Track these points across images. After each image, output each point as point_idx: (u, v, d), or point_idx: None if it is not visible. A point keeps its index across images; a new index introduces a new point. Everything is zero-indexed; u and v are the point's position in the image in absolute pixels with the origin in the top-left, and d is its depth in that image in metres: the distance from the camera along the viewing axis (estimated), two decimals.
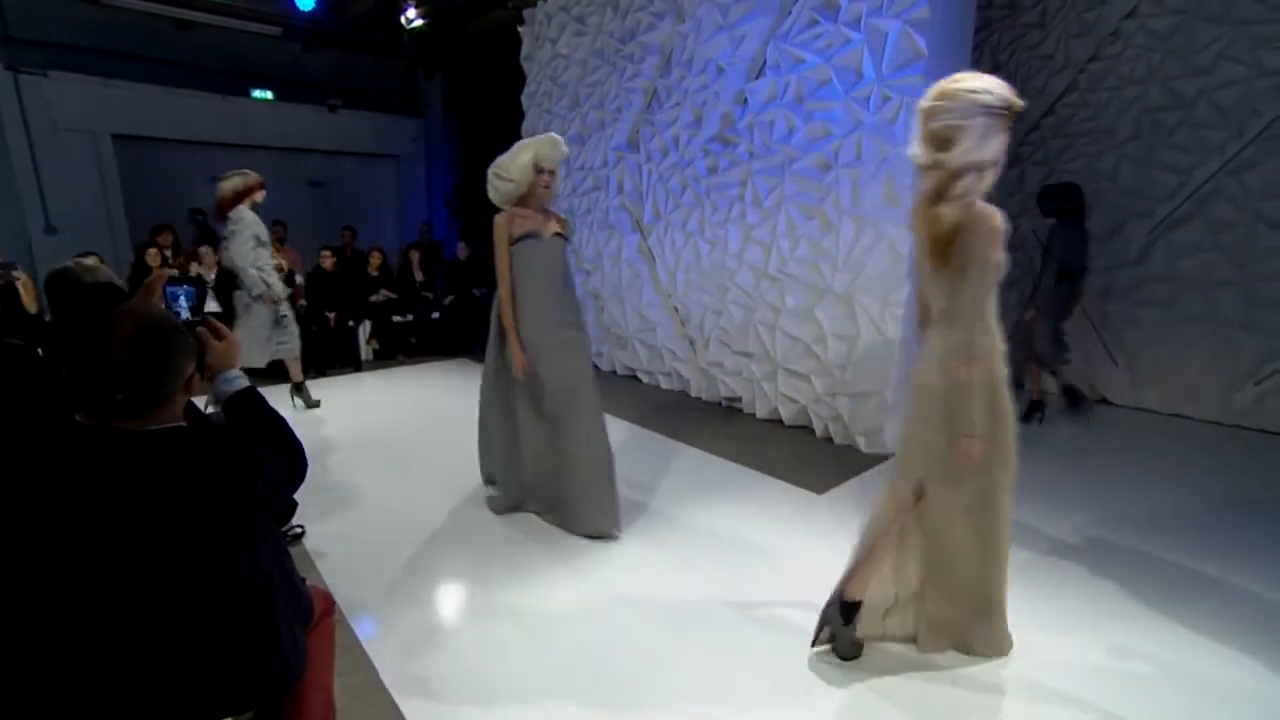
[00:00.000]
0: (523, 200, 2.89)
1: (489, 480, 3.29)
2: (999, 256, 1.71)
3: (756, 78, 4.28)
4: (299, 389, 4.89)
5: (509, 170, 2.84)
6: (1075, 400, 4.14)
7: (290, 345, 4.69)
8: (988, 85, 1.68)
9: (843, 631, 2.04)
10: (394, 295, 6.78)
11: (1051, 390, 4.38)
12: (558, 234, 2.94)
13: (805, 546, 2.82)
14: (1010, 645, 2.06)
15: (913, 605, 2.07)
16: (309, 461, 1.36)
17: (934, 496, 1.92)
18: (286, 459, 1.26)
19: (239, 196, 4.30)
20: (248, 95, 7.84)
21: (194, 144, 7.58)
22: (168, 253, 5.94)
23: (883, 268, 3.70)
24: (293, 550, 2.70)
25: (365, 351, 6.52)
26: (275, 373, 4.95)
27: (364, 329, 6.52)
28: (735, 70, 4.36)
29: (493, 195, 2.94)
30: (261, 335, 4.51)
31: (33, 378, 1.92)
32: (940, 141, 1.69)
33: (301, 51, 7.93)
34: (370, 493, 3.42)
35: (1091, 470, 3.48)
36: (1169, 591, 2.43)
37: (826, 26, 3.82)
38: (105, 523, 1.01)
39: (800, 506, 3.22)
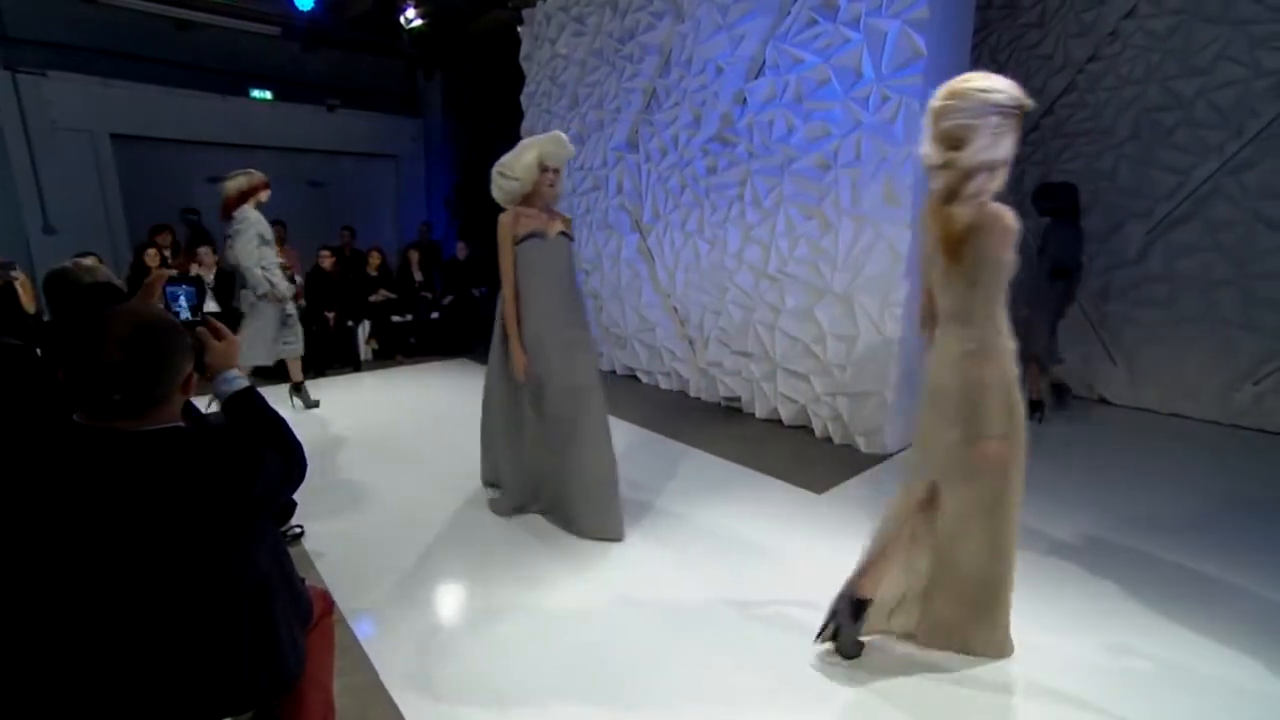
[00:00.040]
0: (527, 199, 2.87)
1: (489, 483, 3.26)
2: (1011, 256, 1.71)
3: (755, 78, 4.28)
4: (298, 389, 4.89)
5: (513, 169, 2.81)
6: (1060, 396, 4.36)
7: (294, 345, 4.70)
8: (999, 84, 1.68)
9: (850, 628, 2.04)
10: (393, 295, 6.77)
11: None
12: (563, 233, 2.91)
13: (805, 546, 2.82)
14: (1011, 649, 2.06)
15: (919, 603, 2.07)
16: (308, 461, 1.36)
17: (947, 497, 1.92)
18: (286, 459, 1.26)
19: (244, 196, 4.32)
20: (247, 95, 7.83)
21: (193, 144, 7.58)
22: (166, 253, 5.93)
23: (882, 267, 3.70)
24: (292, 550, 2.70)
25: (364, 351, 6.52)
26: (274, 373, 4.95)
27: (363, 329, 6.51)
28: (734, 70, 4.37)
29: (496, 194, 2.91)
30: (268, 334, 4.52)
31: (30, 378, 1.91)
32: (952, 141, 1.68)
33: (300, 51, 7.93)
34: (369, 493, 3.41)
35: (1091, 470, 3.49)
36: (1169, 591, 2.44)
37: (826, 26, 3.82)
38: (103, 523, 1.01)
39: (800, 506, 3.22)
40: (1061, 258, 4.11)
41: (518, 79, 6.45)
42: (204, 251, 5.69)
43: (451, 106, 9.18)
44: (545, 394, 2.86)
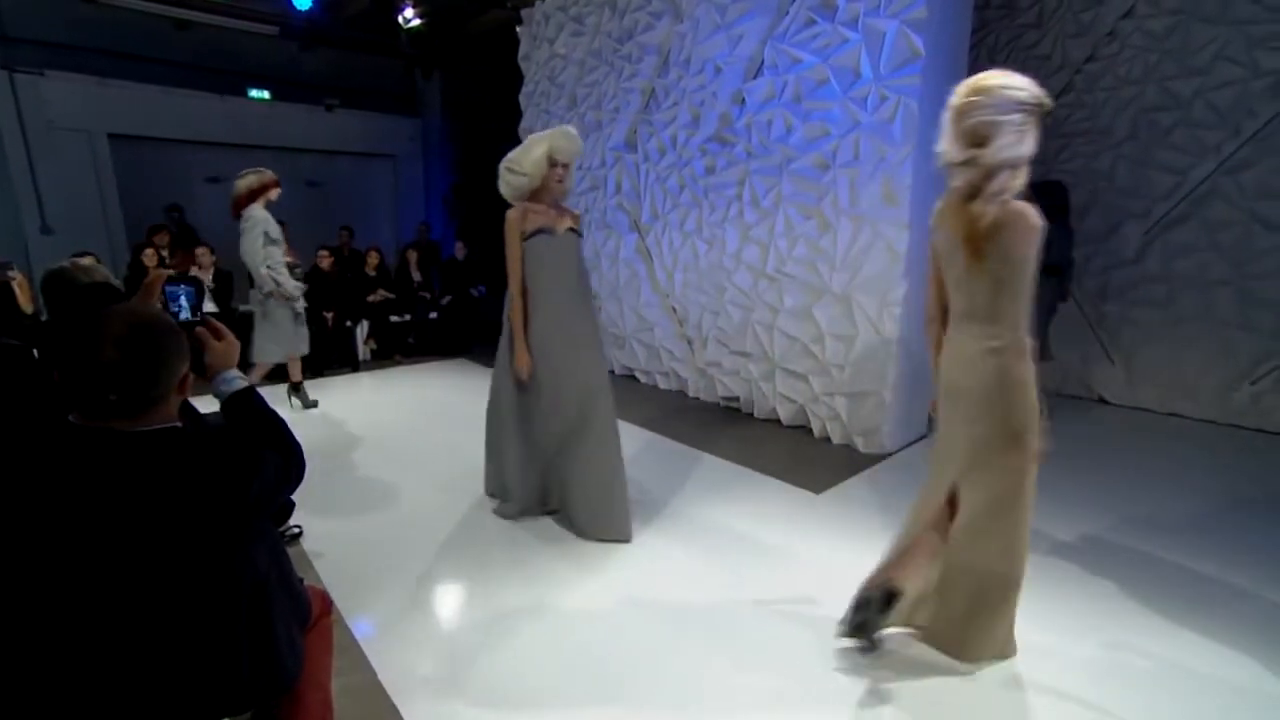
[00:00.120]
0: (535, 195, 2.82)
1: (492, 493, 3.19)
2: (1036, 253, 1.70)
3: (754, 78, 4.28)
4: (297, 389, 4.88)
5: (521, 164, 2.77)
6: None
7: (299, 345, 4.71)
8: (1020, 82, 1.67)
9: (878, 620, 2.02)
10: (391, 295, 6.77)
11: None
12: (571, 230, 2.87)
13: (805, 546, 2.82)
14: (1014, 650, 2.05)
15: (933, 600, 2.07)
16: (307, 462, 1.36)
17: (965, 496, 1.92)
18: (284, 460, 1.26)
19: (253, 194, 4.34)
20: (244, 95, 7.82)
21: (190, 144, 7.57)
22: (164, 253, 5.92)
23: (880, 267, 3.71)
24: (290, 550, 2.70)
25: (363, 351, 6.51)
26: (274, 372, 4.94)
27: (362, 329, 6.51)
28: (733, 70, 4.37)
29: (504, 190, 2.86)
30: (285, 332, 4.56)
31: (27, 378, 1.91)
32: (975, 138, 1.67)
33: (298, 51, 7.92)
34: (368, 493, 3.41)
35: (1090, 470, 3.49)
36: (1169, 591, 2.44)
37: (824, 26, 3.82)
38: (99, 524, 1.01)
39: (799, 506, 3.22)
40: (1051, 255, 4.13)
41: (516, 79, 6.45)
42: (202, 252, 5.68)
43: (450, 106, 9.17)
44: (553, 395, 2.82)
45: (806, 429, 4.27)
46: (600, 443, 2.82)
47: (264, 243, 4.31)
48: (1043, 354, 4.41)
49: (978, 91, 1.68)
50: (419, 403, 5.26)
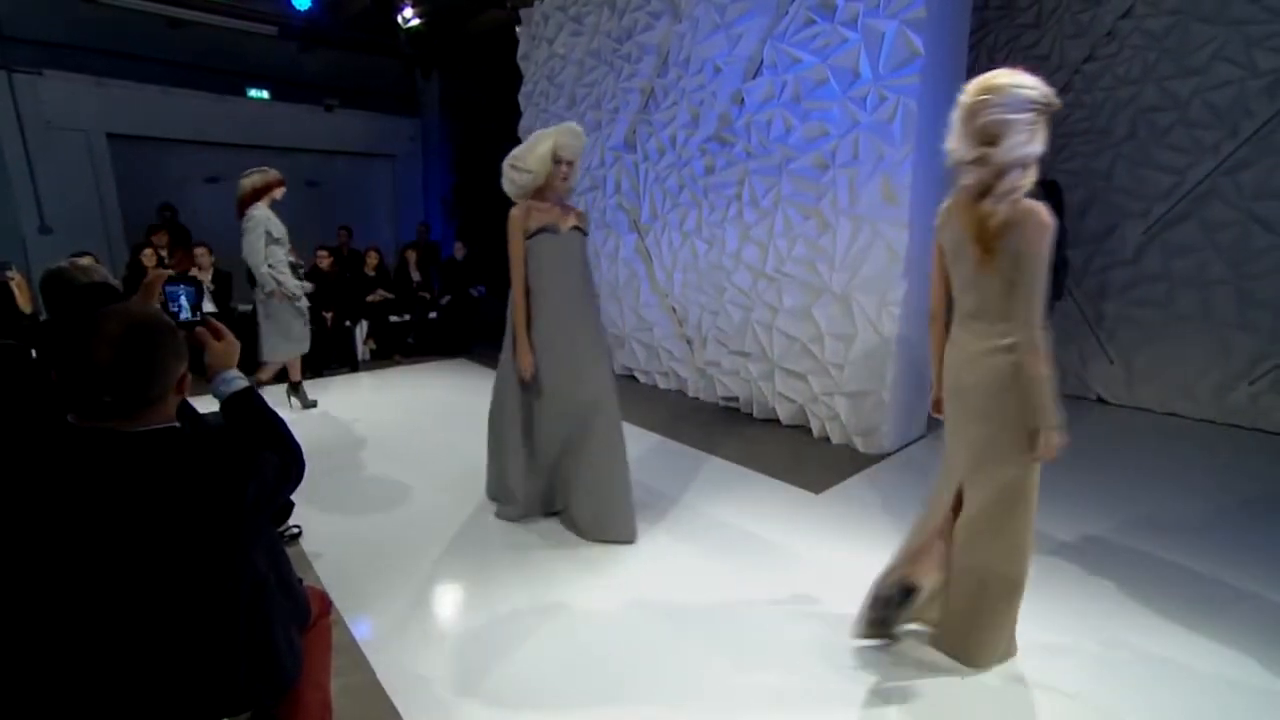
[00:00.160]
0: (539, 193, 2.78)
1: (494, 497, 3.14)
2: (1048, 251, 1.70)
3: (753, 77, 4.29)
4: (296, 389, 4.88)
5: (526, 161, 2.73)
6: None
7: (301, 344, 4.72)
8: (1030, 81, 1.67)
9: (895, 616, 2.05)
10: (391, 295, 6.77)
11: None
12: (576, 228, 2.83)
13: (804, 546, 2.82)
14: (1014, 650, 2.04)
15: (940, 599, 2.07)
16: (306, 462, 1.36)
17: (970, 495, 1.91)
18: (284, 460, 1.26)
19: (258, 193, 4.35)
20: (243, 94, 7.82)
21: (189, 143, 7.57)
22: (163, 253, 5.92)
23: (880, 267, 3.71)
24: (289, 550, 2.70)
25: (362, 351, 6.51)
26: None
27: (361, 329, 6.51)
28: (732, 70, 4.37)
29: (508, 187, 2.83)
30: (293, 329, 4.58)
31: (24, 378, 1.91)
32: (987, 136, 1.67)
33: (298, 51, 7.92)
34: (367, 493, 3.41)
35: (1089, 469, 3.49)
36: (1169, 591, 2.44)
37: (823, 26, 3.82)
38: (96, 524, 1.01)
39: (798, 506, 3.22)
40: None
41: (515, 79, 6.44)
42: (201, 252, 5.68)
43: (449, 106, 9.17)
44: (557, 397, 2.80)
45: (806, 429, 4.27)
46: (605, 445, 2.80)
47: (266, 242, 4.32)
48: None
49: (989, 90, 1.67)
50: (418, 403, 5.26)
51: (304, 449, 1.36)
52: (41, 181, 6.55)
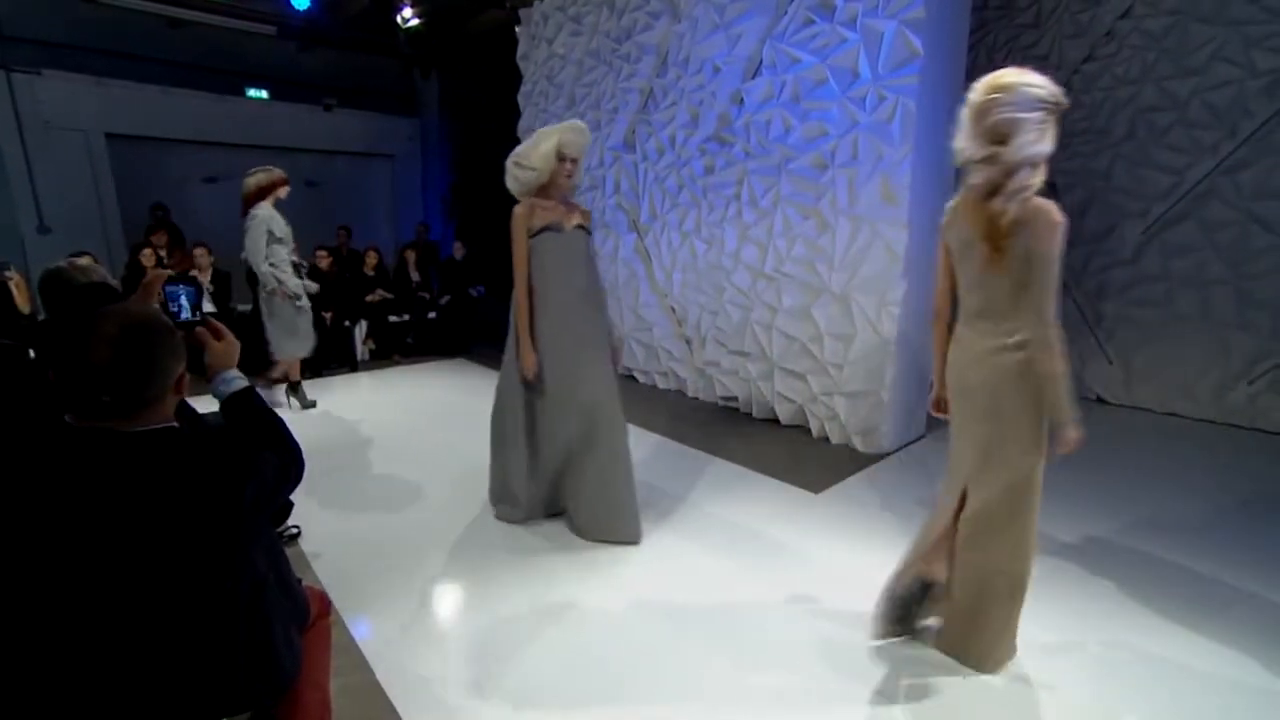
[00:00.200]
0: (543, 190, 2.75)
1: (497, 499, 3.08)
2: (1060, 250, 1.70)
3: (753, 77, 4.29)
4: (295, 389, 4.88)
5: (529, 158, 2.70)
6: None
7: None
8: (1039, 80, 1.67)
9: (915, 611, 2.07)
10: (390, 295, 6.76)
11: None
12: (580, 226, 2.79)
13: (804, 546, 2.82)
14: (1013, 655, 2.04)
15: (946, 599, 2.08)
16: (306, 462, 1.35)
17: (973, 495, 1.92)
18: (283, 460, 1.26)
19: (262, 192, 4.38)
20: (242, 94, 7.82)
21: (188, 143, 7.57)
22: (162, 253, 5.91)
23: (879, 267, 3.71)
24: (289, 550, 2.70)
25: (361, 351, 6.50)
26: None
27: (360, 329, 6.50)
28: (731, 70, 4.37)
29: (511, 185, 2.80)
30: (300, 327, 4.61)
31: (22, 378, 1.90)
32: (997, 135, 1.66)
33: (297, 51, 7.92)
34: (366, 493, 3.41)
35: (1089, 469, 3.49)
36: (1169, 591, 2.44)
37: (822, 26, 3.82)
38: (94, 524, 1.00)
39: (797, 506, 3.22)
40: None
41: (515, 78, 6.45)
42: (200, 253, 5.67)
43: (448, 106, 9.17)
44: (560, 399, 2.76)
45: (805, 429, 4.28)
46: (609, 446, 2.76)
47: (269, 241, 4.33)
48: None
49: (998, 89, 1.66)
50: (418, 403, 5.25)
51: (303, 449, 1.36)
52: (40, 181, 6.55)
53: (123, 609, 1.02)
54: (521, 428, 2.88)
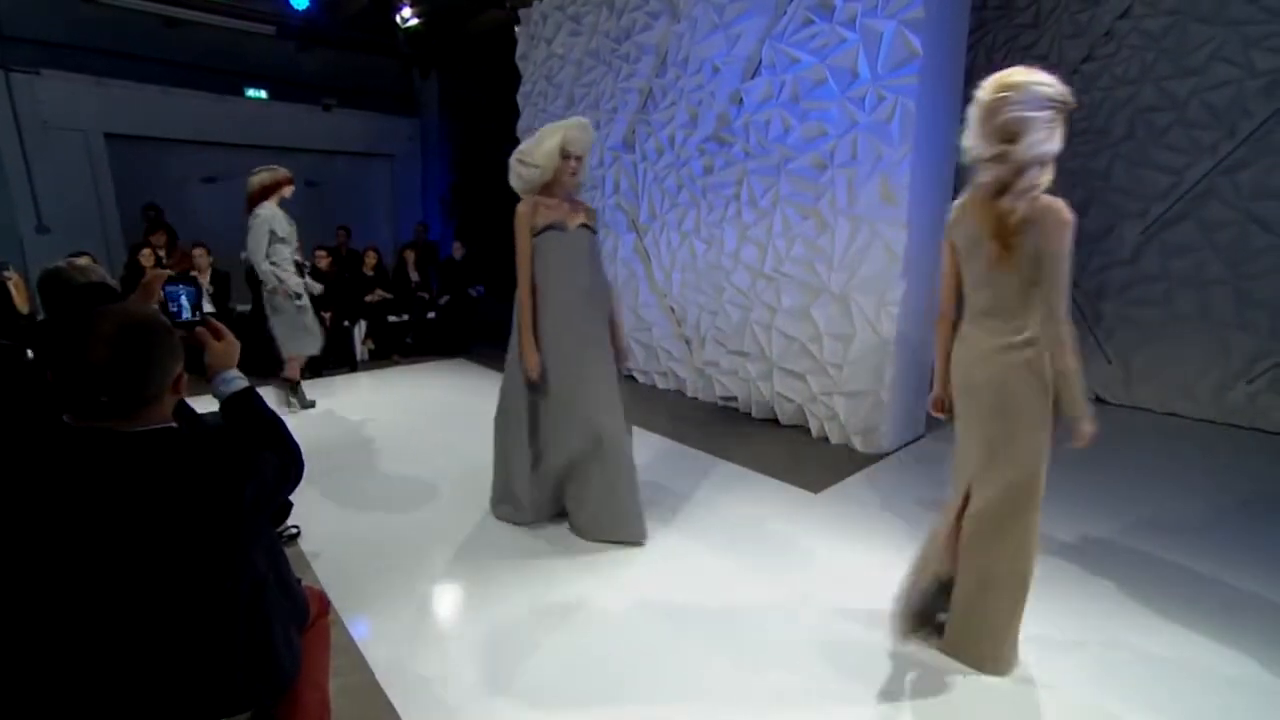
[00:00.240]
0: (547, 188, 2.71)
1: (500, 499, 3.03)
2: (1070, 247, 1.70)
3: (752, 77, 4.29)
4: (294, 389, 4.88)
5: (533, 156, 2.66)
6: None
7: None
8: (1047, 79, 1.67)
9: (933, 606, 2.07)
10: (389, 295, 6.76)
11: None
12: (584, 225, 2.75)
13: (803, 546, 2.82)
14: (1016, 657, 2.03)
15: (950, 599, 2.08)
16: (305, 462, 1.35)
17: (976, 494, 1.92)
18: (282, 460, 1.25)
19: (266, 191, 4.40)
20: (241, 94, 7.81)
21: (187, 143, 7.56)
22: (161, 253, 5.91)
23: (878, 267, 3.71)
24: (288, 550, 2.70)
25: (361, 351, 6.50)
26: (271, 372, 4.94)
27: (359, 329, 6.50)
28: (731, 70, 4.37)
29: (515, 183, 2.76)
30: (307, 323, 4.63)
31: (20, 378, 1.90)
32: (1007, 134, 1.66)
33: (296, 50, 7.92)
34: (366, 493, 3.40)
35: (1089, 469, 3.48)
36: (1168, 591, 2.45)
37: (822, 26, 3.82)
38: (93, 524, 1.00)
39: (797, 505, 3.22)
40: None
41: (514, 78, 6.44)
42: (199, 253, 5.67)
43: (448, 106, 9.17)
44: (565, 398, 2.73)
45: (804, 428, 4.28)
46: (614, 446, 2.73)
47: (271, 240, 4.35)
48: None
49: (1008, 87, 1.66)
50: (417, 403, 5.25)
51: (302, 449, 1.36)
52: (39, 181, 6.54)
53: (122, 609, 1.02)
54: (525, 430, 2.85)
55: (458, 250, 7.27)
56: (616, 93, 5.28)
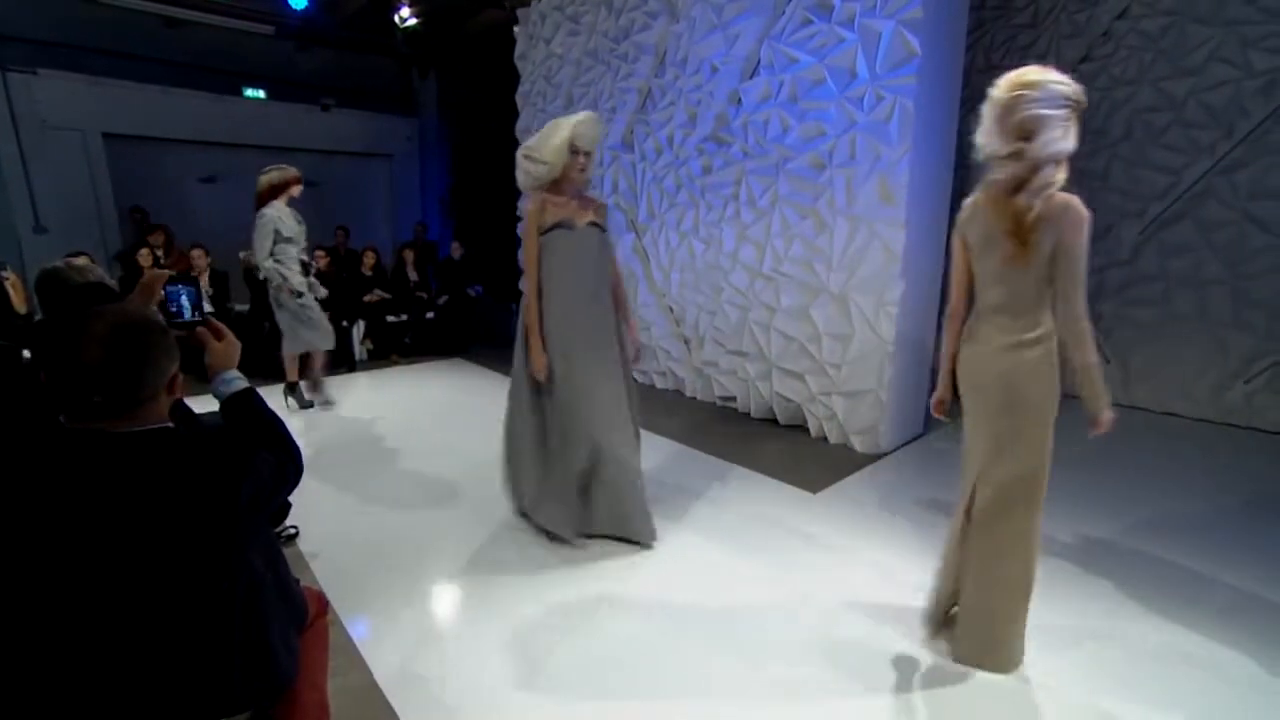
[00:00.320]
0: (555, 185, 2.64)
1: (522, 511, 2.94)
2: (1087, 243, 1.71)
3: (751, 77, 4.29)
4: (293, 389, 4.88)
5: (541, 152, 2.60)
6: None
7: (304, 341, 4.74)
8: (1061, 77, 1.67)
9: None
10: (388, 295, 6.76)
11: None
12: (593, 223, 2.67)
13: (801, 545, 2.82)
14: (1023, 654, 2.03)
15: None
16: (304, 463, 1.35)
17: (981, 491, 1.92)
18: (280, 460, 1.25)
19: (274, 190, 4.40)
20: (240, 94, 7.80)
21: (185, 143, 7.55)
22: (159, 253, 5.90)
23: (877, 267, 3.71)
24: (287, 550, 2.69)
25: (359, 351, 6.50)
26: (270, 372, 4.94)
27: (358, 329, 6.49)
28: (729, 70, 4.37)
29: (522, 180, 2.70)
30: (318, 321, 4.64)
31: (16, 379, 1.90)
32: (1023, 132, 1.67)
33: (294, 50, 7.90)
34: (365, 493, 3.40)
35: (1087, 469, 3.49)
36: (1169, 591, 2.45)
37: (820, 26, 3.82)
38: (89, 525, 1.00)
39: (796, 505, 3.23)
40: None
41: (513, 78, 6.44)
42: (197, 254, 5.66)
43: (446, 106, 9.16)
44: (572, 405, 2.66)
45: (803, 428, 4.28)
46: (617, 471, 2.68)
47: (276, 240, 4.36)
48: None
49: (1025, 86, 1.67)
50: (416, 403, 5.25)
51: (301, 449, 1.35)
52: (37, 181, 6.52)
53: (117, 610, 1.02)
54: (531, 436, 2.78)
55: (456, 250, 7.27)
56: (615, 92, 5.28)
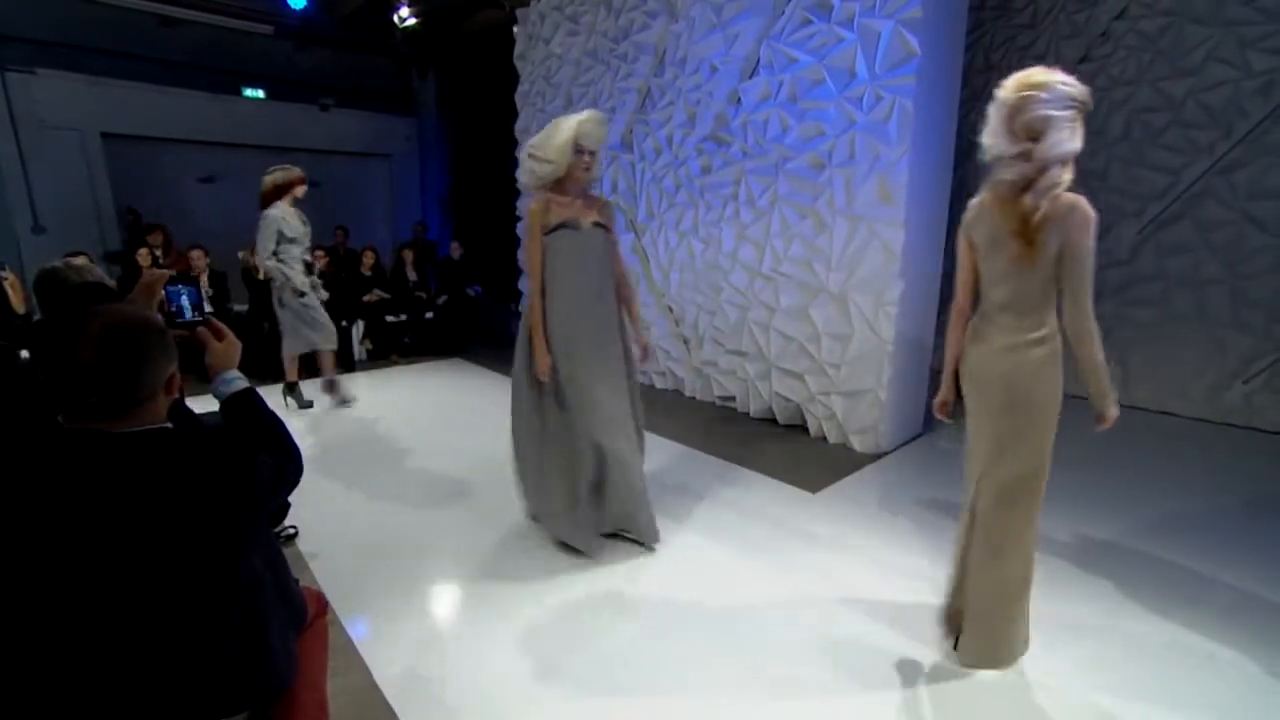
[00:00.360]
0: (559, 184, 2.60)
1: (535, 516, 2.90)
2: (1094, 243, 1.71)
3: (750, 77, 4.29)
4: (292, 389, 4.87)
5: (545, 150, 2.55)
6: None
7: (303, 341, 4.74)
8: (1067, 78, 1.68)
9: None
10: (387, 295, 6.75)
11: None
12: (598, 223, 2.64)
13: (801, 545, 2.82)
14: (1026, 648, 2.04)
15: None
16: (304, 463, 1.35)
17: (983, 489, 1.92)
18: (279, 461, 1.25)
19: (279, 190, 4.41)
20: (239, 94, 7.80)
21: (184, 143, 7.54)
22: (158, 252, 5.89)
23: (876, 267, 3.71)
24: (286, 551, 2.69)
25: (359, 352, 6.49)
26: (269, 373, 4.94)
27: (357, 329, 6.49)
28: (729, 69, 4.37)
29: (526, 178, 2.68)
30: (320, 320, 4.64)
31: (14, 379, 1.90)
32: (1031, 133, 1.67)
33: (293, 50, 7.90)
34: (364, 493, 3.40)
35: (1086, 469, 3.49)
36: (1167, 590, 2.45)
37: (819, 26, 3.82)
38: (87, 525, 1.00)
39: (795, 505, 3.23)
40: None
41: (512, 78, 6.44)
42: (196, 255, 5.65)
43: (445, 106, 9.16)
44: (577, 404, 2.63)
45: (803, 428, 4.28)
46: (620, 474, 2.65)
47: (279, 240, 4.36)
48: None
49: (1032, 86, 1.67)
50: (415, 403, 5.24)
51: (300, 449, 1.35)
52: (35, 181, 6.52)
53: (115, 610, 1.02)
54: (534, 438, 2.76)
55: (455, 250, 7.27)
56: (614, 92, 5.28)
